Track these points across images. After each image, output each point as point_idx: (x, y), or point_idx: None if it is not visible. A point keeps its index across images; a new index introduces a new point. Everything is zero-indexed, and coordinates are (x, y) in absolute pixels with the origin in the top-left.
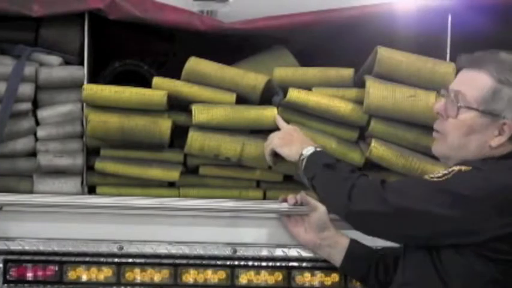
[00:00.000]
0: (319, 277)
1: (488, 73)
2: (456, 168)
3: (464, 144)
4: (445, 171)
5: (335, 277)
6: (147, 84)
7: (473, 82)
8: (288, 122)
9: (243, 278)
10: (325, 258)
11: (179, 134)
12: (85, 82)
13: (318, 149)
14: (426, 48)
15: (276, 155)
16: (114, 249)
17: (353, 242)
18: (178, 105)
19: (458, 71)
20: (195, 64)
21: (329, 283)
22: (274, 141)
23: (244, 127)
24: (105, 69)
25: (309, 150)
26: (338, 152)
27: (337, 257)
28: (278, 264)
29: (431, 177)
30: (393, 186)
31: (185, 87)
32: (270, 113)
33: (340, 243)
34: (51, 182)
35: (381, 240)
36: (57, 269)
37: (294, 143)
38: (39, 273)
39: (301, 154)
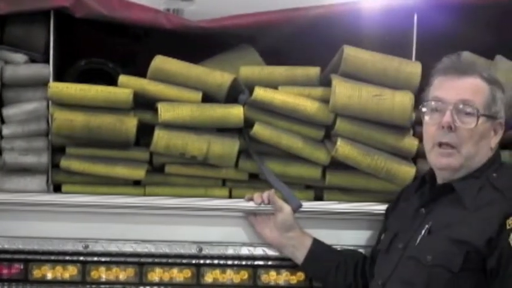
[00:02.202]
0: (284, 276)
1: (481, 77)
2: None
3: (477, 151)
4: None
5: (300, 276)
6: (114, 83)
7: (474, 89)
8: (254, 120)
9: (209, 277)
10: (289, 256)
11: (145, 132)
12: (51, 80)
13: None
14: (392, 47)
15: None
16: (80, 247)
17: (316, 242)
18: (144, 103)
19: (425, 76)
20: (161, 62)
21: (294, 282)
22: None
23: (210, 125)
24: (71, 68)
25: None
26: (304, 151)
27: (300, 256)
28: (244, 263)
29: None
30: None
31: (151, 86)
32: (236, 112)
33: (304, 243)
34: (17, 180)
35: (344, 241)
36: (22, 267)
37: None
38: (4, 271)
39: None
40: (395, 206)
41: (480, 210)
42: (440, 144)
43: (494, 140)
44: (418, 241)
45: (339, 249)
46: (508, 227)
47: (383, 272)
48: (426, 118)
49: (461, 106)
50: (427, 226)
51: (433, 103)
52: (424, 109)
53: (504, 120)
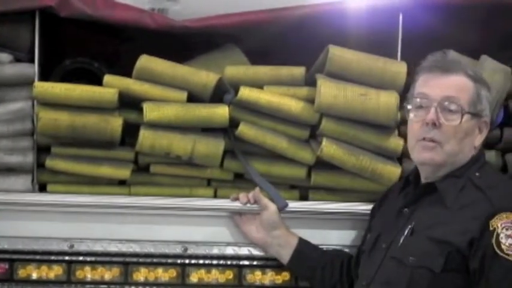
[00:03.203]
0: (270, 275)
1: (466, 75)
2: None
3: (461, 149)
4: None
5: (286, 275)
6: (99, 82)
7: (459, 86)
8: (239, 120)
9: (194, 277)
10: (275, 256)
11: (130, 132)
12: (36, 79)
13: None
14: (377, 47)
15: None
16: (65, 247)
17: (302, 242)
18: (130, 103)
19: (410, 74)
20: (146, 62)
21: (280, 281)
22: None
23: (196, 125)
24: (56, 67)
25: None
26: (289, 150)
27: (285, 255)
28: (229, 262)
29: (508, 254)
30: None
31: (136, 85)
32: (221, 111)
33: (290, 242)
34: (2, 180)
35: (329, 240)
36: (7, 267)
37: None
38: None
39: None
40: (380, 206)
41: (462, 210)
42: (424, 139)
43: (479, 139)
44: (401, 241)
45: (324, 248)
46: (491, 228)
47: (367, 272)
48: (411, 115)
49: (446, 103)
50: (410, 226)
51: (418, 100)
52: (409, 106)
53: (489, 119)
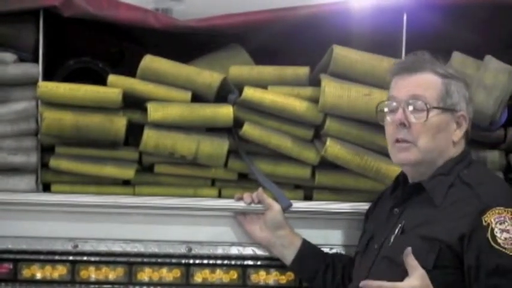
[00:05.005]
0: (274, 275)
1: (432, 72)
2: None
3: (435, 145)
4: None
5: (290, 275)
6: (104, 82)
7: (425, 84)
8: (243, 120)
9: (198, 277)
10: (278, 256)
11: (134, 132)
12: (40, 79)
13: None
14: (382, 47)
15: None
16: (69, 247)
17: (305, 243)
18: (134, 103)
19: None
20: (150, 62)
21: (284, 281)
22: None
23: (200, 125)
24: (60, 67)
25: None
26: (293, 150)
27: (288, 256)
28: (233, 262)
29: (505, 247)
30: None
31: (140, 85)
32: (225, 111)
33: (294, 243)
34: (6, 180)
35: (333, 240)
36: (11, 267)
37: None
38: None
39: None
40: (374, 208)
41: (451, 207)
42: (397, 140)
43: (458, 134)
44: (391, 241)
45: (327, 251)
46: (484, 224)
47: (360, 273)
48: (387, 118)
49: (410, 101)
50: (400, 226)
51: (389, 103)
52: (385, 109)
53: (468, 113)
